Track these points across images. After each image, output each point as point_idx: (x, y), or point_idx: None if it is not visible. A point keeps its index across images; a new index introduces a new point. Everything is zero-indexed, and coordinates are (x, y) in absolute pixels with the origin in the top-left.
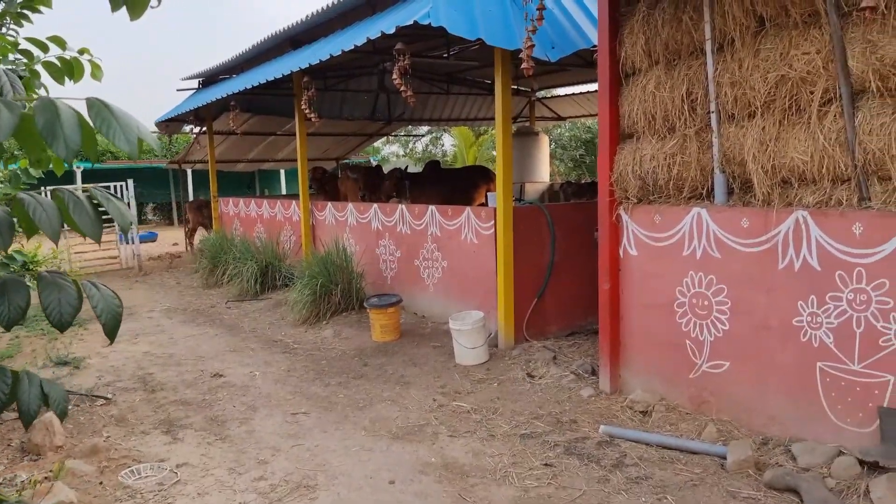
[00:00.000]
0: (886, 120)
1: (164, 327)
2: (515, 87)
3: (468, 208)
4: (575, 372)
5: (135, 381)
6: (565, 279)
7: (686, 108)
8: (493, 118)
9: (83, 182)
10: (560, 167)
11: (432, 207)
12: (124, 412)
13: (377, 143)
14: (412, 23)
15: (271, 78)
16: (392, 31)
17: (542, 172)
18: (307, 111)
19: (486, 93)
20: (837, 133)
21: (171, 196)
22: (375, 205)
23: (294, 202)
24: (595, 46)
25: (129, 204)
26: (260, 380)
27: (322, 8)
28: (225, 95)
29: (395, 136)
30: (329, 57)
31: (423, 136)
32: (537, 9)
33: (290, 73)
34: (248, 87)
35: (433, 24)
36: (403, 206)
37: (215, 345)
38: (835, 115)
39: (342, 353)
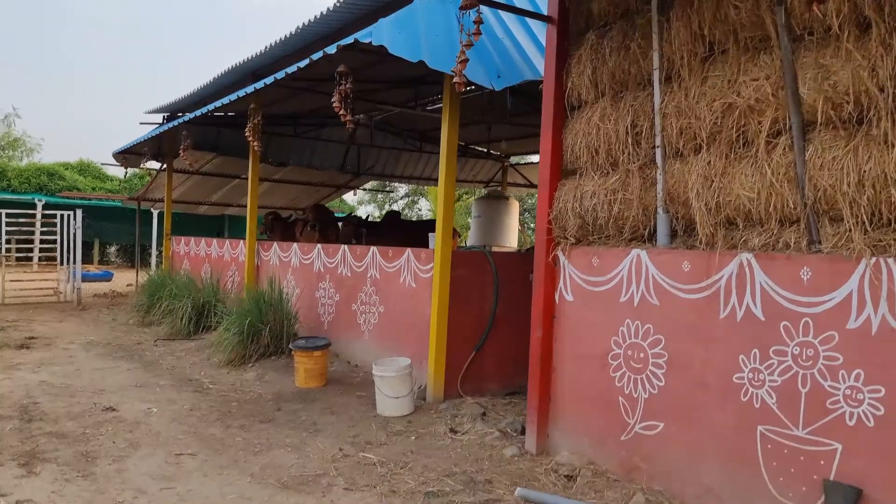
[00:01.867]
0: (839, 153)
1: (75, 360)
2: (486, 149)
3: (409, 249)
4: (502, 430)
5: (14, 410)
6: (508, 332)
7: (630, 141)
8: (467, 181)
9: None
10: (531, 237)
11: (374, 248)
12: None
13: (351, 202)
14: (353, 41)
15: (219, 104)
16: (333, 51)
17: (510, 238)
18: (251, 140)
19: (459, 154)
20: (786, 167)
21: (136, 237)
22: (319, 245)
23: (241, 242)
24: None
25: (75, 234)
26: (155, 417)
27: (282, 38)
28: (174, 125)
29: (371, 191)
30: (274, 81)
31: (400, 198)
32: (474, 22)
33: (237, 97)
34: (198, 114)
35: (374, 44)
36: (346, 247)
37: (122, 379)
38: (784, 148)
39: (258, 396)
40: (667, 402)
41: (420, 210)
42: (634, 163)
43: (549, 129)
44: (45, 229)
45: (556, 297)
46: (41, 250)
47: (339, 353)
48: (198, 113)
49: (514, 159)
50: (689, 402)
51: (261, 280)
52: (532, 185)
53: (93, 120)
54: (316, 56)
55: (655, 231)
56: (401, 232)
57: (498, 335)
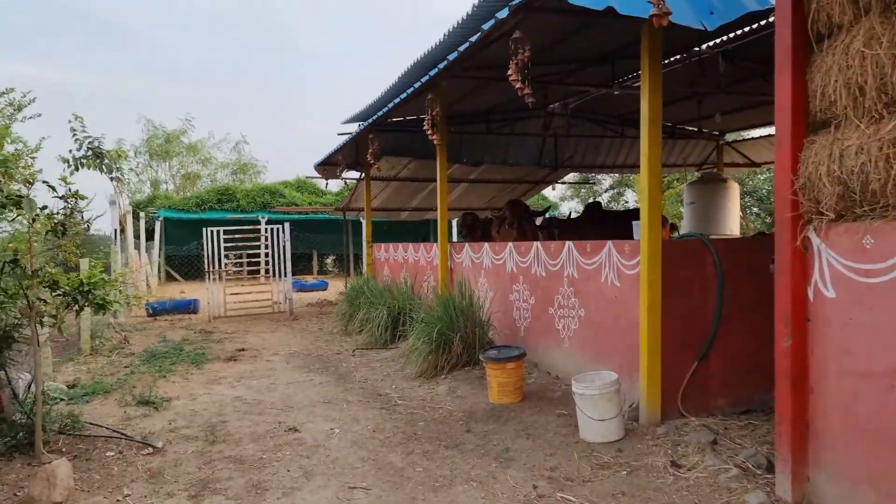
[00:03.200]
0: None
1: (274, 372)
2: (697, 128)
3: (609, 242)
4: (741, 465)
5: (202, 429)
6: (739, 337)
7: None
8: (676, 165)
9: None
10: (756, 223)
11: (569, 243)
12: (165, 466)
13: (552, 197)
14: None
15: (397, 101)
16: (505, 14)
17: (730, 225)
18: (431, 134)
19: (666, 136)
20: None
21: (349, 247)
22: (511, 243)
23: (435, 245)
24: (770, 6)
25: (284, 247)
26: (336, 439)
27: (459, 21)
28: (358, 132)
29: (573, 185)
30: (446, 65)
31: (604, 191)
32: None
33: (413, 90)
34: (378, 115)
35: None
36: (539, 244)
37: (313, 394)
38: None
39: (448, 414)
40: None
41: (627, 202)
42: None
43: (787, 69)
44: (256, 244)
45: (810, 294)
46: (254, 264)
47: (538, 362)
48: (378, 115)
49: (729, 137)
50: None
51: (454, 283)
52: (753, 164)
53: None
54: (486, 25)
55: None
56: (604, 226)
57: (725, 340)
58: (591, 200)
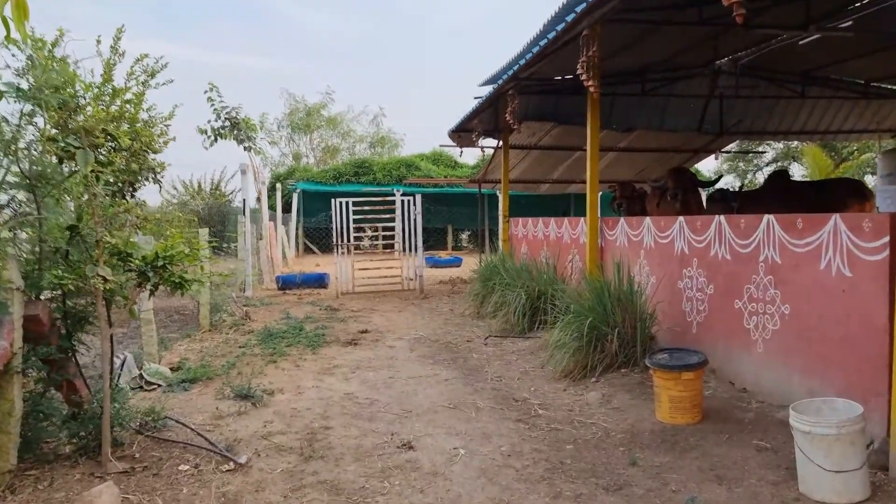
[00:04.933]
0: None
1: (395, 362)
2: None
3: (836, 216)
4: None
5: (300, 438)
6: None
7: None
8: (865, 131)
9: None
10: None
11: (769, 218)
12: (244, 490)
13: (707, 171)
14: None
15: (544, 42)
16: None
17: None
18: (586, 80)
19: (857, 95)
20: None
21: (485, 221)
22: (681, 217)
23: (582, 220)
24: None
25: (415, 220)
26: (461, 465)
27: None
28: (498, 85)
29: (732, 154)
30: None
31: (765, 164)
32: None
33: (565, 24)
34: (521, 63)
35: None
36: (723, 217)
37: (436, 394)
38: None
39: (604, 434)
40: None
41: (792, 176)
42: None
43: None
44: (388, 216)
45: None
46: (385, 237)
47: (716, 368)
48: (520, 63)
49: None
50: None
51: (605, 265)
52: None
53: (448, 112)
54: None
55: None
56: (792, 200)
57: None
58: (775, 169)
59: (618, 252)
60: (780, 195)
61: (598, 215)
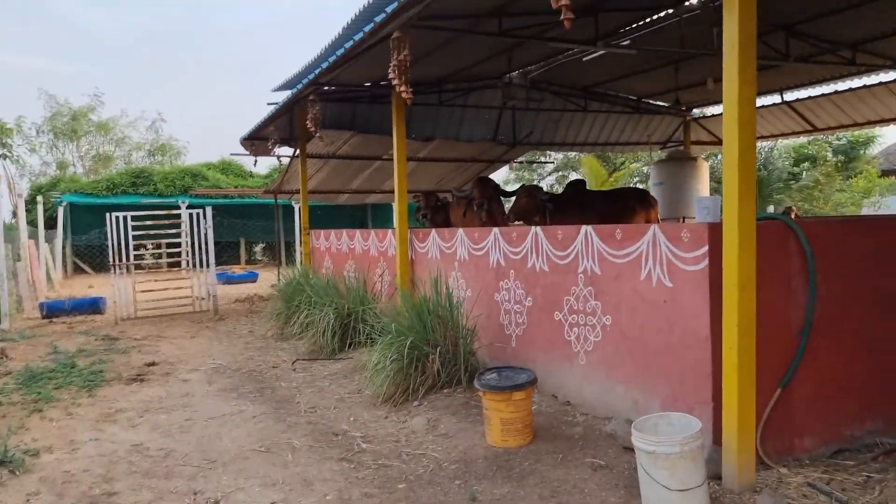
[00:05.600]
0: None
1: (192, 399)
2: (675, 99)
3: (654, 227)
4: None
5: None
6: (832, 353)
7: None
8: (638, 143)
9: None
10: None
11: (587, 229)
12: None
13: (498, 180)
14: None
15: (350, 44)
16: None
17: None
18: (398, 83)
19: (631, 110)
20: None
21: (281, 234)
22: (496, 229)
23: (390, 232)
24: None
25: (205, 234)
26: None
27: None
28: (297, 90)
29: (519, 164)
30: None
31: (548, 174)
32: None
33: (375, 24)
34: (324, 66)
35: None
36: (539, 229)
37: (244, 436)
38: None
39: (436, 467)
40: None
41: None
42: None
43: None
44: (173, 231)
45: None
46: (171, 255)
47: (539, 382)
48: (323, 66)
49: (695, 112)
50: None
51: (416, 279)
52: (720, 142)
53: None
54: None
55: None
56: (587, 208)
57: (815, 357)
58: (573, 178)
59: (430, 265)
60: (579, 201)
61: (408, 226)
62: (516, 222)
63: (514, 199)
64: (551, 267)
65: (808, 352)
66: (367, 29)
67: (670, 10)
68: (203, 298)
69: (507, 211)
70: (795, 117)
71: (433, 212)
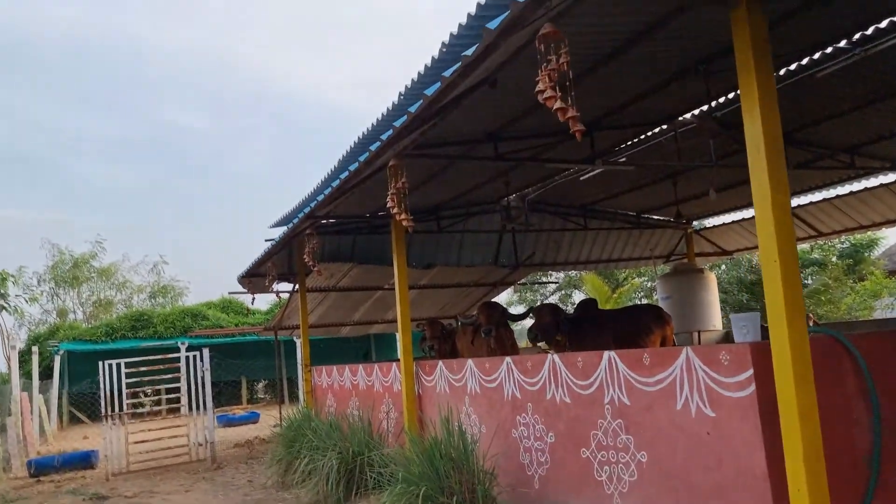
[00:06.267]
0: None
1: None
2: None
3: (687, 349)
4: None
5: None
6: None
7: None
8: (643, 258)
9: None
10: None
11: (610, 354)
12: None
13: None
14: None
15: (344, 174)
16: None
17: (713, 319)
18: (396, 211)
19: (630, 226)
20: None
21: (282, 370)
22: (508, 358)
23: (395, 366)
24: None
25: (202, 376)
26: None
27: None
28: (293, 224)
29: (522, 286)
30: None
31: (550, 293)
32: None
33: (370, 153)
34: (320, 199)
35: None
36: (556, 356)
37: None
38: None
39: None
40: None
41: (574, 303)
42: None
43: None
44: (169, 376)
45: None
46: (169, 401)
47: None
48: (319, 198)
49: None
50: None
51: (425, 416)
52: (724, 253)
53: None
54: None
55: None
56: (602, 328)
57: (889, 485)
58: (582, 298)
59: (439, 399)
60: (592, 321)
61: (413, 358)
62: (539, 344)
63: (535, 318)
64: (573, 398)
65: (880, 481)
66: (362, 158)
67: (664, 126)
68: (201, 444)
69: (514, 336)
70: (800, 224)
71: (439, 342)
